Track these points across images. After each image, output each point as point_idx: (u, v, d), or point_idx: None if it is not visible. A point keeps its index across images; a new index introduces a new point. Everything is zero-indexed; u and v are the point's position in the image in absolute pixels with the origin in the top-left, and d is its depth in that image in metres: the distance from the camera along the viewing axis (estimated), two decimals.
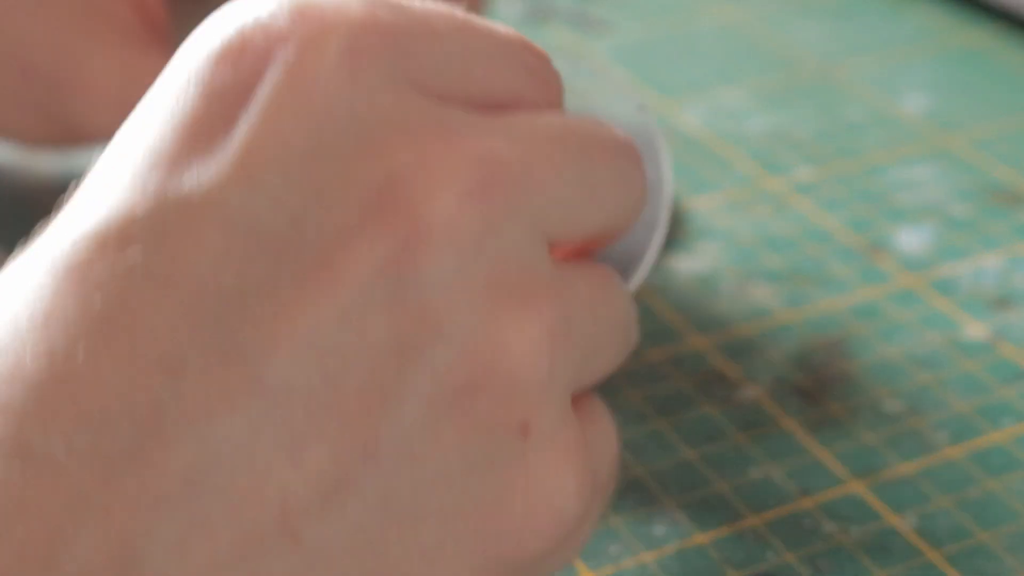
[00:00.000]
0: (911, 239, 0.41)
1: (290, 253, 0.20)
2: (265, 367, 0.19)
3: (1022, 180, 0.44)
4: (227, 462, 0.19)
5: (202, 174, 0.20)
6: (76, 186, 0.40)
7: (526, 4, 0.58)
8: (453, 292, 0.21)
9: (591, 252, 0.25)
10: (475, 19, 0.23)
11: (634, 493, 0.32)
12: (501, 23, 0.56)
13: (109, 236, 0.20)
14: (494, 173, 0.21)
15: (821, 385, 0.35)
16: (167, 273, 0.20)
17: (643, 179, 0.24)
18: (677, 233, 0.41)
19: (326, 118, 0.20)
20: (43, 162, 0.43)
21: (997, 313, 0.38)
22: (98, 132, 0.37)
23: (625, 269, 0.29)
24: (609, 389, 0.35)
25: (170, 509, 0.19)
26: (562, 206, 0.22)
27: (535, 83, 0.23)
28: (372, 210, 0.20)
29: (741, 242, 0.41)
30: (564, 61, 0.30)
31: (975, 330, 0.37)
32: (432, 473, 0.21)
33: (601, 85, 0.31)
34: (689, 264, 0.40)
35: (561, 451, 0.22)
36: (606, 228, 0.24)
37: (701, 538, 0.31)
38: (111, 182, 0.21)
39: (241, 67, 0.21)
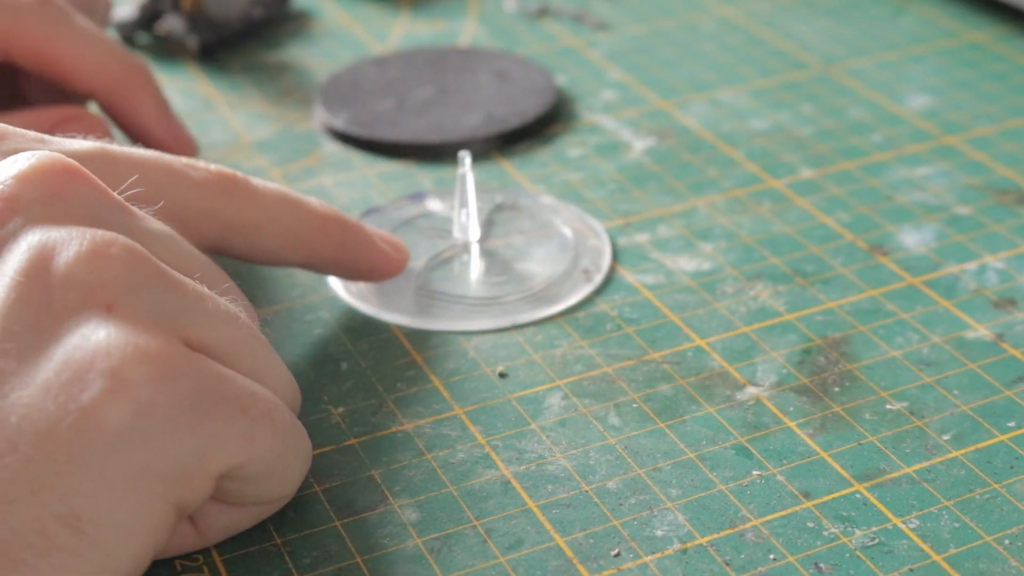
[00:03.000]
0: (913, 239, 0.41)
1: None
2: None
3: None
4: None
5: None
6: None
7: (526, 4, 0.57)
8: (36, 222, 0.28)
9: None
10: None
11: (635, 494, 0.32)
12: (507, 18, 0.56)
13: None
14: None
15: (823, 386, 0.35)
16: None
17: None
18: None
19: None
20: None
21: (1000, 314, 0.37)
22: None
23: None
24: (610, 389, 0.35)
25: None
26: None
27: None
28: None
29: (741, 242, 0.41)
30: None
31: (978, 331, 0.37)
32: (36, 353, 0.26)
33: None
34: (689, 264, 0.40)
35: (144, 334, 0.27)
36: None
37: (702, 539, 0.30)
38: None
39: None
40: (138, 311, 0.27)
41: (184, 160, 0.34)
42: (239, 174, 0.35)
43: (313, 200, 0.36)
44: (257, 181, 0.36)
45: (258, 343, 0.30)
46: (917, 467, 0.32)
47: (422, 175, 0.45)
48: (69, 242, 0.28)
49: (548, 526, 0.31)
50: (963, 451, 0.33)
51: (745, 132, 0.47)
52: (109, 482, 0.26)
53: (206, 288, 0.30)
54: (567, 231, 0.41)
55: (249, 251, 0.36)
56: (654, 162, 0.45)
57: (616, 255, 0.41)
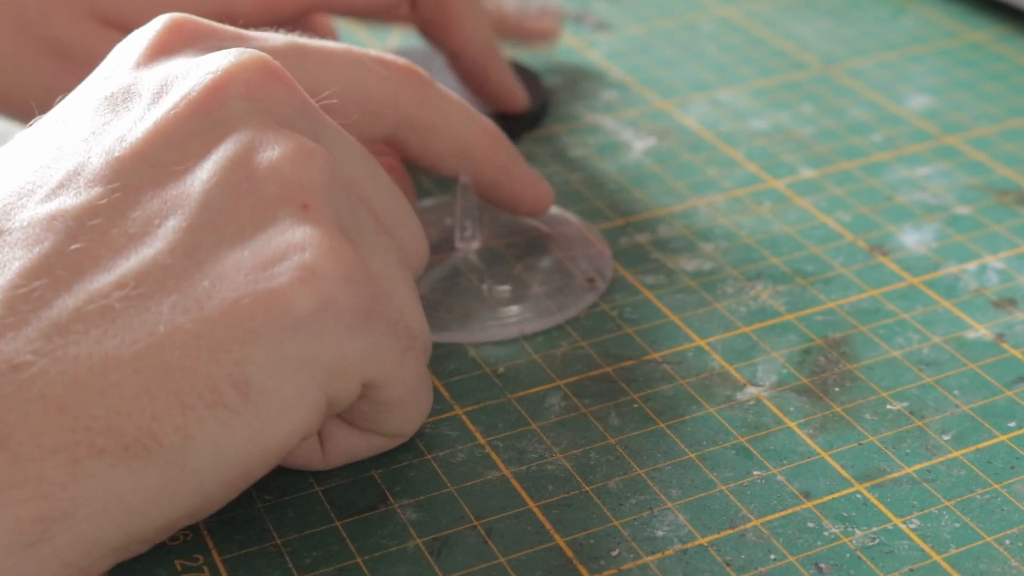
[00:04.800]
0: (913, 239, 0.41)
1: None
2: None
3: None
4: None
5: None
6: None
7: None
8: (244, 119, 0.30)
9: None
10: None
11: (635, 495, 0.32)
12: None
13: None
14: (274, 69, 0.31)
15: (823, 386, 0.35)
16: None
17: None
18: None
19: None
20: None
21: (1000, 314, 0.37)
22: None
23: None
24: (610, 389, 0.35)
25: None
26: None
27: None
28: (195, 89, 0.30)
29: (741, 242, 0.41)
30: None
31: (978, 331, 0.37)
32: (230, 232, 0.28)
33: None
34: (689, 264, 0.40)
35: (336, 239, 0.29)
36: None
37: (702, 539, 0.30)
38: None
39: None
40: (331, 217, 0.29)
41: (373, 53, 0.36)
42: (425, 73, 0.37)
43: (487, 119, 0.38)
44: (440, 85, 0.37)
45: (410, 288, 0.32)
46: (917, 467, 0.32)
47: (421, 175, 0.45)
48: (276, 141, 0.30)
49: (548, 526, 0.31)
50: (963, 451, 0.33)
51: (745, 132, 0.47)
52: (282, 360, 0.28)
53: (383, 223, 0.32)
54: (569, 240, 0.41)
55: (421, 151, 0.37)
56: (654, 162, 0.45)
57: (616, 256, 0.41)
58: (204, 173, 0.29)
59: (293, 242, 0.28)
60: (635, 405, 0.35)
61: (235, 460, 0.28)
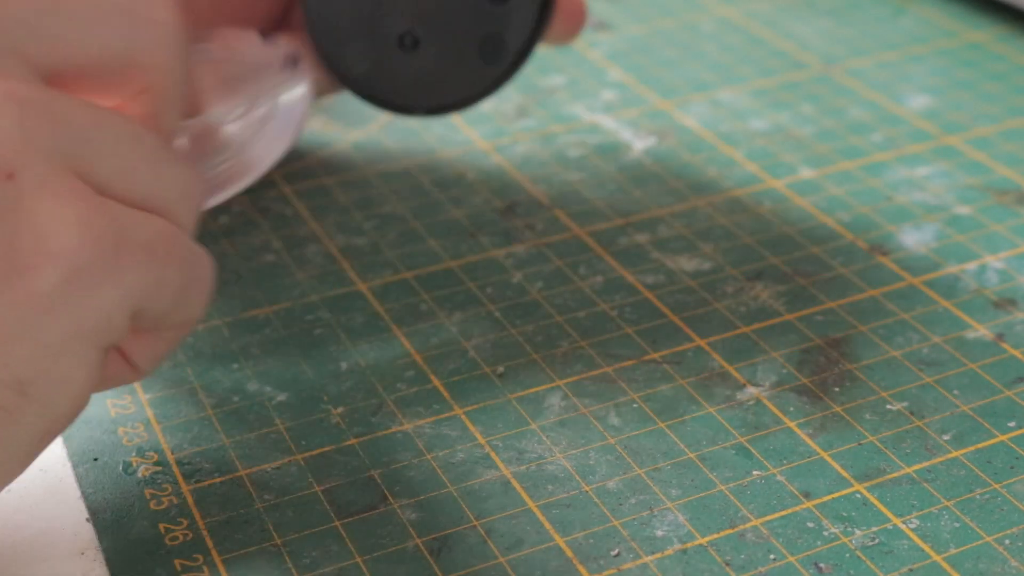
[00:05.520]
0: (913, 239, 0.41)
1: None
2: None
3: None
4: None
5: None
6: None
7: None
8: None
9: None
10: None
11: (635, 494, 0.32)
12: None
13: None
14: None
15: (823, 386, 0.35)
16: None
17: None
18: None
19: None
20: None
21: (1000, 314, 0.37)
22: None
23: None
24: (610, 389, 0.35)
25: None
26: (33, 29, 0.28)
27: None
28: None
29: (741, 242, 0.41)
30: None
31: (978, 331, 0.37)
32: None
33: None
34: (689, 264, 0.40)
35: (56, 195, 0.27)
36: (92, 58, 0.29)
37: (702, 539, 0.30)
38: None
39: None
40: (42, 170, 0.27)
41: None
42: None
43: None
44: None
45: (153, 157, 0.29)
46: (917, 467, 0.32)
47: (422, 178, 0.45)
48: None
49: (548, 526, 0.31)
50: (963, 451, 0.33)
51: (745, 132, 0.47)
52: (45, 346, 0.27)
53: (98, 105, 0.29)
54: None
55: None
56: (654, 162, 0.45)
57: (616, 256, 0.41)
58: None
59: (13, 227, 0.26)
60: (635, 405, 0.35)
61: (37, 433, 0.28)
